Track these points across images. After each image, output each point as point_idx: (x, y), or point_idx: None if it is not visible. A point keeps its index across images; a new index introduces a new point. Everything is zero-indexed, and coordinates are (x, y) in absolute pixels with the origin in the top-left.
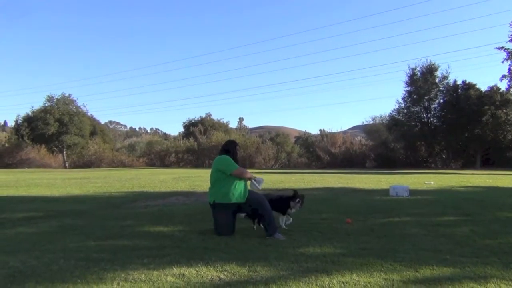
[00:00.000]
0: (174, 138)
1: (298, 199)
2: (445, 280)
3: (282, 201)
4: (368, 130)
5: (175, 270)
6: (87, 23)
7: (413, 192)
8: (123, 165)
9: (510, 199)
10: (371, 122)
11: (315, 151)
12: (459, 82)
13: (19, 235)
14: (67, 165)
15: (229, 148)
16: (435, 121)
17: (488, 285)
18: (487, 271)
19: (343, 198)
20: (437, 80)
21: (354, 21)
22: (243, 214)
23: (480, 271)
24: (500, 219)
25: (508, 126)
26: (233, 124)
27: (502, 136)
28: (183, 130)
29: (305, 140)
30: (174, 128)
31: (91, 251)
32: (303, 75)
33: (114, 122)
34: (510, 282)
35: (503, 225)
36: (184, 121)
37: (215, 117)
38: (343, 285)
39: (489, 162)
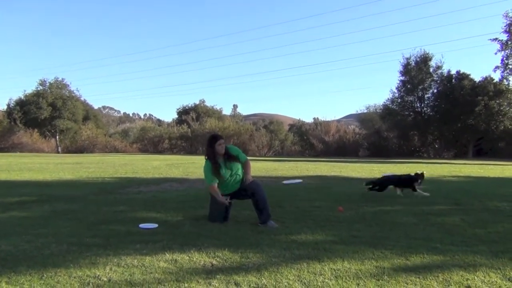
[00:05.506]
0: (168, 124)
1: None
2: (435, 268)
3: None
4: (361, 119)
5: (168, 256)
6: (80, 7)
7: None
8: (116, 150)
9: (500, 189)
10: (365, 111)
11: (309, 139)
12: (453, 72)
13: (11, 219)
14: (59, 150)
15: (206, 148)
16: (428, 110)
17: (477, 273)
18: (476, 259)
19: (336, 186)
20: (431, 70)
21: (349, 9)
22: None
23: (470, 260)
24: (490, 208)
25: (500, 116)
26: (228, 111)
27: (495, 126)
28: (176, 116)
29: (299, 128)
30: (168, 114)
31: (83, 236)
32: (298, 63)
33: (107, 107)
34: (498, 271)
35: (493, 214)
36: (178, 107)
37: (209, 103)
38: (334, 272)
39: (481, 152)
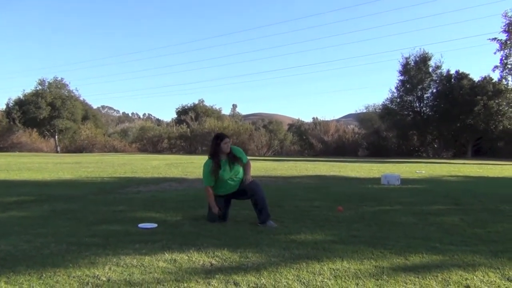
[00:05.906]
0: (167, 124)
1: None
2: (434, 268)
3: None
4: (361, 118)
5: (167, 256)
6: (80, 6)
7: (404, 181)
8: (115, 150)
9: (499, 188)
10: (364, 111)
11: (308, 139)
12: (452, 72)
13: (10, 219)
14: (59, 149)
15: (210, 145)
16: (427, 110)
17: (476, 273)
18: (475, 259)
19: (335, 186)
20: (430, 69)
21: (347, 9)
22: None
23: (469, 259)
24: (489, 208)
25: (499, 116)
26: (227, 111)
27: (494, 126)
28: (175, 116)
29: (298, 128)
30: (167, 114)
31: (82, 235)
32: (297, 62)
33: (106, 107)
34: (497, 270)
35: (492, 214)
36: (177, 107)
37: (208, 103)
38: (333, 272)
39: (480, 152)
